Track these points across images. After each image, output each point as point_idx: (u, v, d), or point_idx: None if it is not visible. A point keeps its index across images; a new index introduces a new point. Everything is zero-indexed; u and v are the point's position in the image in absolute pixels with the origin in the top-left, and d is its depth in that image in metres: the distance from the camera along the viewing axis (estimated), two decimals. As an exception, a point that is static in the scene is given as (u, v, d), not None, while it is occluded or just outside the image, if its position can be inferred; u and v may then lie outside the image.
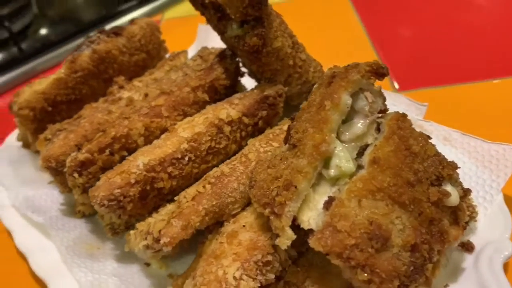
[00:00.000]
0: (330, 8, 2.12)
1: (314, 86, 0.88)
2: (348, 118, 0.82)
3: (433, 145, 0.83)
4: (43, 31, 2.28)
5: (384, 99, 0.84)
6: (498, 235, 0.91)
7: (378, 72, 0.81)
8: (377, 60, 0.82)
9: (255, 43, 1.01)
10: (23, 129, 1.29)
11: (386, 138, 0.78)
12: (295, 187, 0.76)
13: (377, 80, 0.83)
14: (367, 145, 0.80)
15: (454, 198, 0.80)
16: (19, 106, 1.22)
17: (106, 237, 1.09)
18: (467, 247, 0.92)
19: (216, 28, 1.11)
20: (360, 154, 0.80)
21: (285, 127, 1.04)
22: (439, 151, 0.85)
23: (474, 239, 0.92)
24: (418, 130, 0.87)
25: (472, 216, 0.92)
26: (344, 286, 0.81)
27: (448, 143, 1.11)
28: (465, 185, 1.02)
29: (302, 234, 0.85)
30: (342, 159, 0.77)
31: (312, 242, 0.71)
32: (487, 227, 0.94)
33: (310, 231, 0.75)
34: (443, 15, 1.89)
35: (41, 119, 1.26)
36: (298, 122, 0.85)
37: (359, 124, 0.80)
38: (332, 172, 0.77)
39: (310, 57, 1.20)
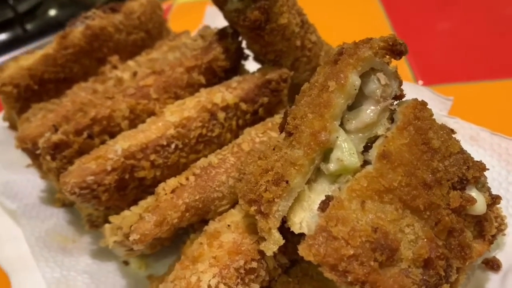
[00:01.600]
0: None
1: (320, 66, 0.74)
2: (356, 104, 0.68)
3: (457, 141, 0.69)
4: (52, 12, 2.20)
5: (401, 82, 0.71)
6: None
7: (394, 50, 0.67)
8: (393, 35, 0.68)
9: (257, 17, 0.89)
10: (7, 108, 1.19)
11: (399, 128, 0.64)
12: (287, 182, 0.63)
13: (393, 60, 0.69)
14: (376, 137, 0.67)
15: (480, 205, 0.66)
16: (2, 82, 1.11)
17: (84, 229, 0.98)
18: (493, 265, 0.78)
19: (216, 1, 0.98)
20: (368, 147, 0.67)
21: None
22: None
23: (502, 256, 0.78)
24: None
25: (501, 229, 0.77)
26: (341, 304, 0.68)
27: (475, 143, 0.97)
28: (493, 193, 0.88)
29: (295, 239, 0.73)
30: (345, 151, 0.64)
31: (302, 249, 0.58)
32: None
33: (303, 235, 0.62)
34: (473, 7, 1.73)
35: (27, 98, 1.16)
36: (296, 106, 0.71)
37: (369, 111, 0.66)
38: (331, 166, 0.64)
39: (321, 40, 1.06)
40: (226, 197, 0.81)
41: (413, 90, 1.10)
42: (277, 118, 0.93)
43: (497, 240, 0.80)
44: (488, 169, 0.69)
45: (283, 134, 0.71)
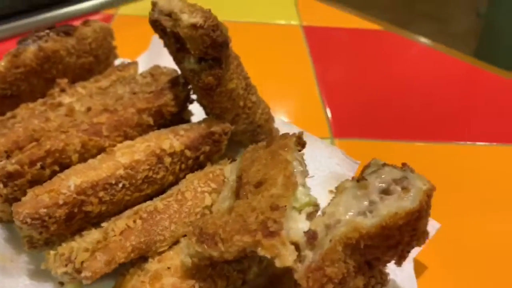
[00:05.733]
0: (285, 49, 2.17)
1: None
2: None
3: None
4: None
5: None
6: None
7: (302, 143, 0.96)
8: (302, 132, 0.97)
9: (210, 82, 1.02)
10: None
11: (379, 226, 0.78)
12: (285, 206, 0.79)
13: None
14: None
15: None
16: None
17: (21, 249, 1.04)
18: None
19: (173, 55, 1.10)
20: None
21: (226, 169, 1.06)
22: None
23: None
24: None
25: (384, 285, 0.98)
26: None
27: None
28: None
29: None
30: (305, 192, 0.86)
31: (299, 276, 0.75)
32: (396, 295, 1.01)
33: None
34: (392, 77, 2.00)
35: (-29, 111, 1.19)
36: (247, 171, 0.91)
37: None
38: (302, 198, 0.83)
39: (260, 99, 1.22)
40: (167, 240, 0.93)
41: (328, 150, 1.30)
42: (217, 170, 1.07)
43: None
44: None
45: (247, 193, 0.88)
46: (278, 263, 0.74)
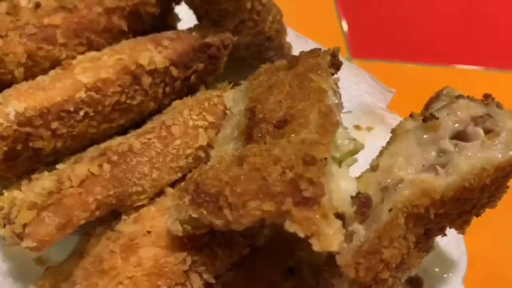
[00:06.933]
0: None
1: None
2: None
3: None
4: None
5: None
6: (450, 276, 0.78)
7: (337, 64, 0.73)
8: (338, 48, 0.74)
9: (207, -30, 0.72)
10: None
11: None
12: (325, 159, 0.53)
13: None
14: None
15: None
16: None
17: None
18: (415, 283, 0.78)
19: None
20: None
21: (227, 95, 0.79)
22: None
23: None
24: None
25: (429, 251, 0.77)
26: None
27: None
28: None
29: (225, 253, 0.65)
30: (347, 135, 0.61)
31: (345, 263, 0.54)
32: (439, 261, 0.80)
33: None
34: None
35: None
36: (263, 104, 0.65)
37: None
38: (346, 145, 0.60)
39: (271, 2, 0.92)
40: (146, 191, 0.69)
41: (354, 73, 1.03)
42: (214, 97, 0.80)
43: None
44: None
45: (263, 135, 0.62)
46: (317, 246, 0.48)
